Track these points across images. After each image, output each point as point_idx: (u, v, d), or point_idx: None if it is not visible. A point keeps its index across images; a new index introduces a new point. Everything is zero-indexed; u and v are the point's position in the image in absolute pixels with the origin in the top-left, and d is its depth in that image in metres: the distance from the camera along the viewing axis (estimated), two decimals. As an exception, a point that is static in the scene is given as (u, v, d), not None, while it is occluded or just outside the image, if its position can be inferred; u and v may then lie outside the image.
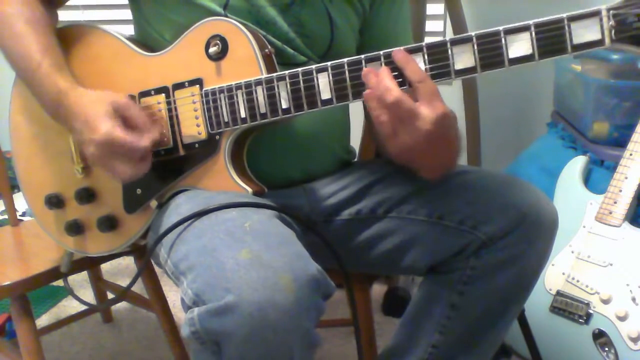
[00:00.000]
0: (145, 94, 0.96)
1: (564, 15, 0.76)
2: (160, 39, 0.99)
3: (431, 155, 0.87)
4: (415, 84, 0.80)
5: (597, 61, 1.48)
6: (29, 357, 1.22)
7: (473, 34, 0.80)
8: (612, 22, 0.75)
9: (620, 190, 1.35)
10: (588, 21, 0.76)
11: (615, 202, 1.35)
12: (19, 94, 1.07)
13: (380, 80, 0.81)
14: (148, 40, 1.02)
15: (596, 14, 0.75)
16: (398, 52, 0.82)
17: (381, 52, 0.83)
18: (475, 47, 0.79)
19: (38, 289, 1.23)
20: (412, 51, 0.82)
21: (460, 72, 0.81)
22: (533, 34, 0.77)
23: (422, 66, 0.82)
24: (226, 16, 0.94)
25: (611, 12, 0.75)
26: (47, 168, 1.07)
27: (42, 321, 1.81)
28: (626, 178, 1.35)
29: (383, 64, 0.83)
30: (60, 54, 0.97)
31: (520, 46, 0.78)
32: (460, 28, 1.70)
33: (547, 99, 1.77)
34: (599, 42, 0.76)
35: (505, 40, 0.78)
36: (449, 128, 0.85)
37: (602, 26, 0.75)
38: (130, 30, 1.09)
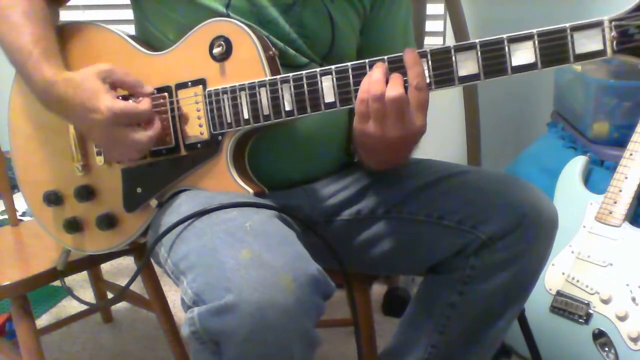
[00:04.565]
0: (147, 93, 0.96)
1: (567, 25, 0.76)
2: (163, 38, 0.99)
3: (385, 153, 0.92)
4: (414, 89, 0.81)
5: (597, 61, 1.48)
6: (29, 357, 1.22)
7: (477, 41, 0.80)
8: (614, 33, 0.74)
9: (620, 190, 1.35)
10: (591, 31, 0.76)
11: (615, 202, 1.35)
12: (19, 90, 1.07)
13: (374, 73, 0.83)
14: (150, 40, 1.01)
15: (599, 24, 0.75)
16: (409, 52, 0.82)
17: (385, 57, 0.83)
18: (479, 54, 0.80)
19: (38, 289, 1.23)
20: None
21: (464, 79, 0.81)
22: (536, 42, 0.77)
23: (426, 72, 0.82)
24: (228, 16, 0.94)
25: (613, 23, 0.75)
26: (46, 165, 1.06)
27: (42, 321, 1.80)
28: (626, 178, 1.34)
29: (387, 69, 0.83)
30: (53, 44, 0.95)
31: (523, 55, 0.78)
32: (460, 28, 1.70)
33: (547, 99, 1.77)
34: (601, 53, 0.76)
35: (508, 48, 0.79)
36: (414, 142, 0.90)
37: (604, 37, 0.75)
38: (130, 30, 1.08)
